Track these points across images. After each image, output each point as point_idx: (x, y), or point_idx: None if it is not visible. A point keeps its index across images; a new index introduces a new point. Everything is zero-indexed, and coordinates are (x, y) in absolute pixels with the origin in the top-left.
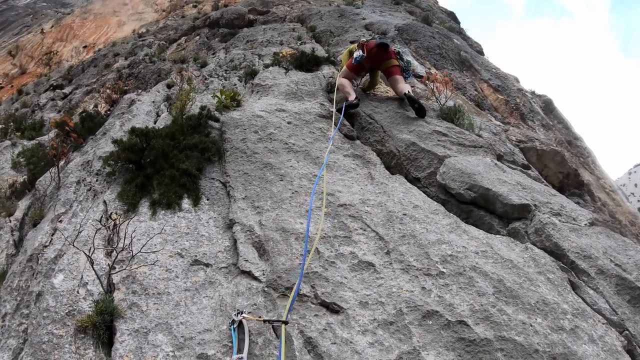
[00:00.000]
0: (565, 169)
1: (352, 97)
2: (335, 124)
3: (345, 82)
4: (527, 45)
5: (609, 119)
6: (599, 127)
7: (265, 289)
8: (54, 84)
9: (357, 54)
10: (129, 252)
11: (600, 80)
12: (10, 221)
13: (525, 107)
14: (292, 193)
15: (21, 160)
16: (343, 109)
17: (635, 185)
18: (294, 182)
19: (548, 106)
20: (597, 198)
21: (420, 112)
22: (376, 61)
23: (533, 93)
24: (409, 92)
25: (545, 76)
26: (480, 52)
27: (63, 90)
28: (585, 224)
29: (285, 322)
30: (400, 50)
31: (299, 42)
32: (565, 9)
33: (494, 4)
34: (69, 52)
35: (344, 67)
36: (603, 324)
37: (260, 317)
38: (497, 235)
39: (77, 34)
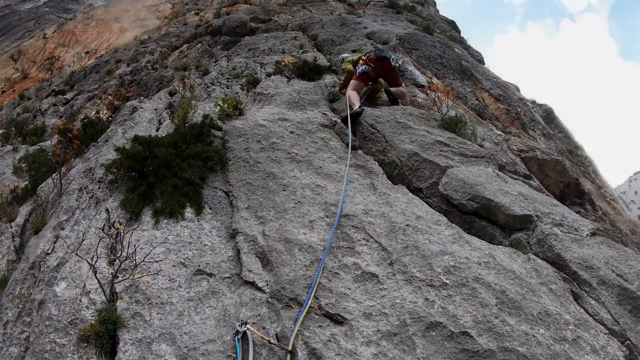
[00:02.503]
0: (566, 178)
1: (356, 106)
2: (348, 145)
3: (353, 94)
4: (527, 48)
5: (609, 123)
6: (599, 132)
7: (269, 299)
8: (56, 89)
9: (363, 67)
10: (132, 261)
11: (600, 84)
12: (11, 227)
13: (526, 117)
14: (295, 203)
15: (23, 165)
16: (348, 118)
17: (636, 192)
18: (297, 192)
19: (549, 115)
20: (598, 207)
21: (394, 102)
22: (382, 72)
23: (534, 102)
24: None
25: (545, 79)
26: (481, 61)
27: (65, 96)
28: (587, 234)
29: (291, 352)
30: (396, 59)
31: (301, 50)
32: (565, 11)
33: (494, 5)
34: (71, 58)
35: (352, 80)
36: (605, 334)
37: (267, 336)
38: (500, 246)
39: (79, 40)
